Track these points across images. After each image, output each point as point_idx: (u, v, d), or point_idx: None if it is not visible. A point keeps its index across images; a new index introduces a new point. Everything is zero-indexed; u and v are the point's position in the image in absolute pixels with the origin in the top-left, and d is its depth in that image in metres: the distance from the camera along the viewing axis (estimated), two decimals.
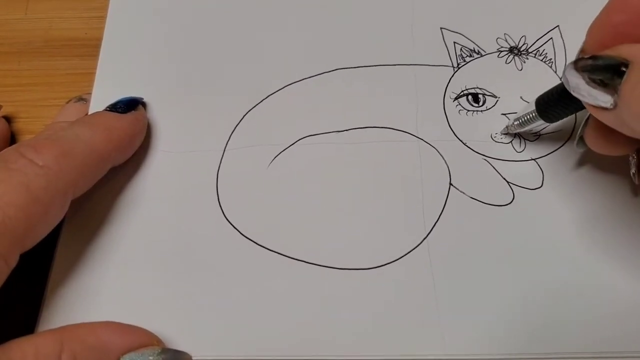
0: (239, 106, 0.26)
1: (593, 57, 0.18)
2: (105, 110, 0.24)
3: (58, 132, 0.21)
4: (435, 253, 0.23)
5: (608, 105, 0.17)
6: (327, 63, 0.27)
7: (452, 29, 0.27)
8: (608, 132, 0.20)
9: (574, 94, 0.18)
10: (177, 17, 0.28)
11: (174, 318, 0.22)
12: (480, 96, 0.26)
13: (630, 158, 0.23)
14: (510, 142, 0.25)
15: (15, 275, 0.19)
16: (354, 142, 0.25)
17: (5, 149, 0.21)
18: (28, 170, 0.20)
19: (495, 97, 0.26)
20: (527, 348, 0.21)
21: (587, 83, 0.18)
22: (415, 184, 0.24)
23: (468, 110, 0.26)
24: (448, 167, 0.25)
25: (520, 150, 0.25)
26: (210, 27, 0.28)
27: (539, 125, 0.23)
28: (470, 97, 0.26)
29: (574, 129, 0.25)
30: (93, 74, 0.27)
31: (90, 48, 0.29)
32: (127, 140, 0.23)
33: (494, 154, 0.25)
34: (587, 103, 0.18)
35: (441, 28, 0.28)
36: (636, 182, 0.23)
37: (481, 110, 0.26)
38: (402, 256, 0.23)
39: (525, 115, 0.23)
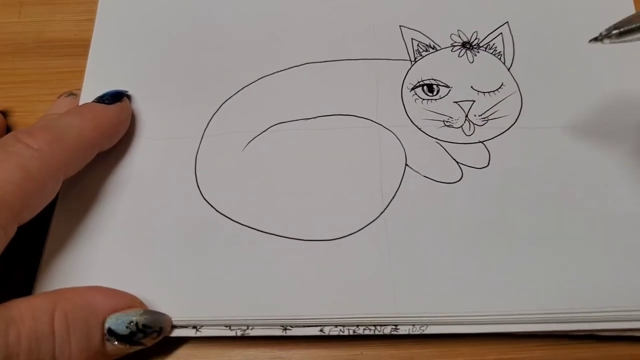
0: (216, 97, 0.28)
1: None
2: (93, 102, 0.26)
3: (50, 121, 0.24)
4: (391, 225, 0.25)
5: None
6: (297, 58, 0.29)
7: (410, 27, 0.30)
8: None
9: None
10: (159, 19, 0.30)
11: (156, 285, 0.24)
12: (434, 86, 0.29)
13: None
14: (461, 126, 0.28)
15: (15, 245, 0.22)
16: (320, 129, 0.28)
17: (4, 136, 0.23)
18: (24, 153, 0.22)
19: (448, 87, 0.29)
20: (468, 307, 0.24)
21: None
22: (375, 165, 0.27)
23: (423, 99, 0.28)
24: (404, 149, 0.27)
25: (470, 134, 0.28)
26: (190, 27, 0.30)
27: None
28: (425, 87, 0.29)
29: (519, 115, 0.28)
30: (83, 72, 0.30)
31: (80, 48, 0.32)
32: (113, 128, 0.26)
33: (445, 138, 0.28)
34: None
35: (400, 26, 0.30)
36: None
37: (435, 99, 0.28)
38: (362, 228, 0.25)
39: (630, 24, 0.21)
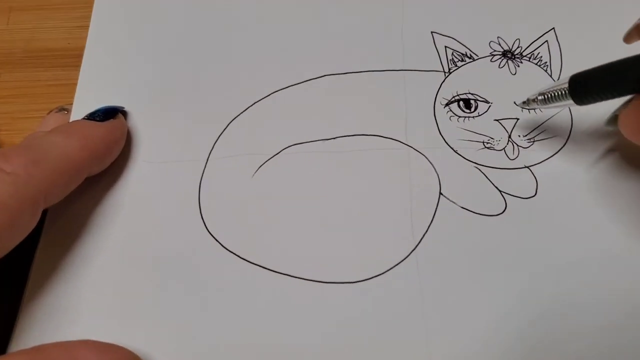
0: (223, 114, 0.25)
1: None
2: (84, 118, 0.23)
3: (32, 140, 0.21)
4: (424, 266, 0.22)
5: None
6: (314, 69, 0.26)
7: (443, 33, 0.27)
8: None
9: None
10: (160, 27, 0.27)
11: (154, 335, 0.21)
12: (472, 102, 0.25)
13: None
14: (503, 148, 0.24)
15: None
16: (341, 151, 0.24)
17: None
18: None
19: (487, 102, 0.25)
20: None
21: None
22: (404, 194, 0.23)
23: (459, 117, 0.25)
24: (438, 175, 0.24)
25: (514, 157, 0.24)
26: (193, 35, 0.27)
27: (564, 105, 0.22)
28: (461, 102, 0.25)
29: (569, 135, 0.25)
30: (75, 84, 0.26)
31: (72, 58, 0.29)
32: (104, 149, 0.22)
33: (485, 162, 0.24)
34: None
35: (432, 32, 0.27)
36: None
37: (473, 117, 0.25)
38: (390, 269, 0.22)
39: (554, 90, 0.21)
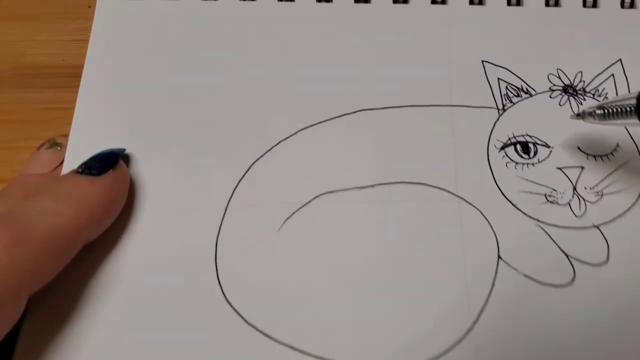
0: (243, 156, 0.21)
1: None
2: (76, 172, 0.19)
3: (14, 207, 0.17)
4: (483, 350, 0.19)
5: None
6: (348, 103, 0.22)
7: (495, 63, 0.23)
8: None
9: None
10: (172, 48, 0.23)
11: None
12: (530, 145, 0.22)
13: None
14: (568, 202, 0.21)
15: None
16: (380, 201, 0.21)
17: None
18: None
19: (548, 146, 0.22)
20: None
21: None
22: (457, 257, 0.20)
23: (517, 163, 0.22)
24: (496, 235, 0.20)
25: (580, 214, 0.21)
26: (211, 62, 0.23)
27: (625, 123, 0.19)
28: (518, 146, 0.22)
29: None
30: (72, 109, 0.23)
31: (69, 78, 0.25)
32: (102, 211, 0.19)
33: (549, 219, 0.21)
34: None
35: (483, 61, 0.23)
36: None
37: (532, 163, 0.22)
38: (442, 354, 0.19)
39: (618, 105, 0.19)
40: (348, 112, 0.22)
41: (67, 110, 0.23)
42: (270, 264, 0.20)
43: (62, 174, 0.21)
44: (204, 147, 0.22)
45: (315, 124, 0.22)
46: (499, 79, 0.23)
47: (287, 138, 0.22)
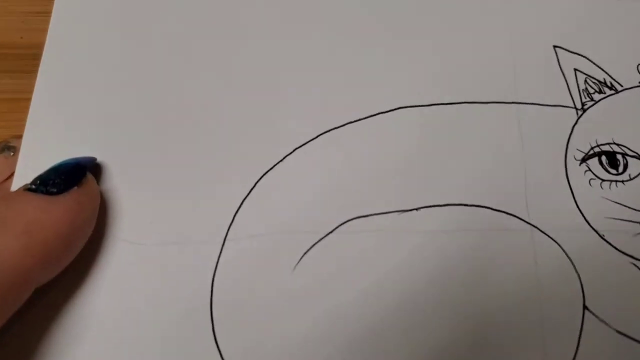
0: (247, 168, 0.16)
1: None
2: (29, 189, 0.14)
3: None
4: None
5: None
6: (384, 99, 0.17)
7: (571, 49, 0.18)
8: None
9: None
10: (159, 24, 0.18)
11: None
12: (619, 157, 0.17)
13: None
14: None
15: None
16: (427, 231, 0.16)
17: None
18: None
19: None
20: None
21: None
22: (531, 307, 0.15)
23: (603, 180, 0.17)
24: (579, 277, 0.16)
25: None
26: (206, 47, 0.18)
27: None
28: (604, 158, 0.17)
29: None
30: (29, 99, 0.18)
31: (26, 60, 0.20)
32: (62, 245, 0.14)
33: None
34: None
35: (554, 46, 0.18)
36: None
37: (622, 181, 0.17)
38: None
39: None
40: (384, 110, 0.17)
41: (23, 102, 0.19)
42: (282, 310, 0.15)
43: (11, 189, 0.16)
44: (196, 156, 0.17)
45: (341, 126, 0.17)
46: (575, 70, 0.18)
47: (304, 144, 0.17)
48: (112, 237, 0.16)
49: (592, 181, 0.17)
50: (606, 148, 0.17)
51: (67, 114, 0.17)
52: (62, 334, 0.15)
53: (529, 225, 0.16)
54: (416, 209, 0.16)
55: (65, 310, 0.15)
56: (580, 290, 0.15)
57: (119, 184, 0.16)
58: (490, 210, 0.16)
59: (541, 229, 0.16)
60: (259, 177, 0.16)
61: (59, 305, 0.15)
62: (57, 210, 0.14)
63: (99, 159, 0.16)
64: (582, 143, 0.17)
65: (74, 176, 0.15)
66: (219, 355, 0.15)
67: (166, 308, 0.15)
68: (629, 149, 0.17)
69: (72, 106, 0.17)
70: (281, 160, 0.17)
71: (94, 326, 0.15)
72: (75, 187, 0.14)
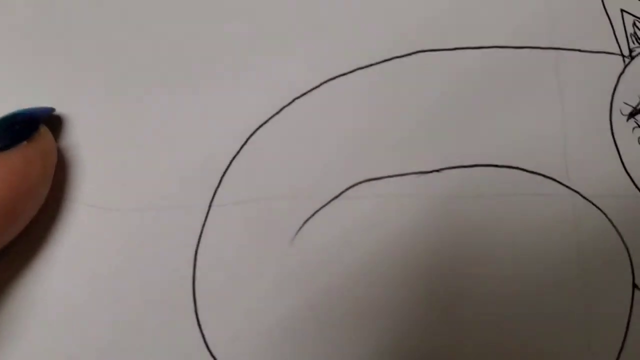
0: (236, 121, 0.14)
1: None
2: None
3: None
4: None
5: None
6: (400, 41, 0.15)
7: None
8: None
9: None
10: None
11: None
12: None
13: None
14: None
15: None
16: (451, 196, 0.14)
17: None
18: None
19: None
20: None
21: None
22: (571, 287, 0.13)
23: None
24: (629, 251, 0.13)
25: None
26: None
27: None
28: None
29: None
30: None
31: None
32: (8, 208, 0.11)
33: None
34: None
35: None
36: None
37: None
38: None
39: None
40: (400, 54, 0.15)
41: None
42: (275, 296, 0.13)
43: None
44: (176, 107, 0.14)
45: (349, 72, 0.14)
46: (622, 10, 0.15)
47: (305, 94, 0.14)
48: (75, 202, 0.13)
49: None
50: None
51: (25, 59, 0.15)
52: (16, 316, 0.12)
53: (568, 190, 0.14)
54: (437, 170, 0.14)
55: (17, 289, 0.12)
56: (630, 266, 0.13)
57: (84, 140, 0.14)
58: (524, 172, 0.14)
59: (583, 194, 0.14)
60: (251, 132, 0.14)
61: (9, 284, 0.13)
62: (6, 165, 0.11)
63: (60, 110, 0.14)
64: (630, 95, 0.15)
65: (25, 129, 0.12)
66: (202, 341, 0.12)
67: (141, 285, 0.13)
68: None
69: (30, 50, 0.15)
70: (277, 113, 0.14)
71: (54, 306, 0.12)
72: (25, 142, 0.12)
